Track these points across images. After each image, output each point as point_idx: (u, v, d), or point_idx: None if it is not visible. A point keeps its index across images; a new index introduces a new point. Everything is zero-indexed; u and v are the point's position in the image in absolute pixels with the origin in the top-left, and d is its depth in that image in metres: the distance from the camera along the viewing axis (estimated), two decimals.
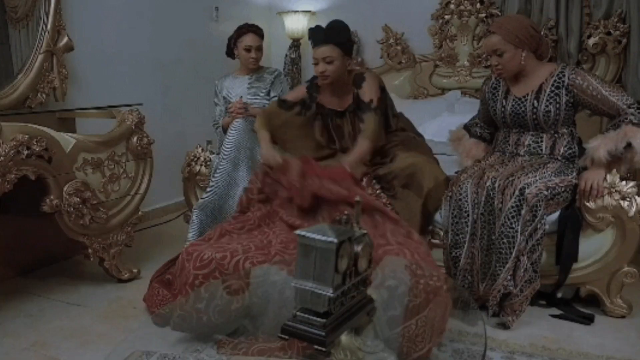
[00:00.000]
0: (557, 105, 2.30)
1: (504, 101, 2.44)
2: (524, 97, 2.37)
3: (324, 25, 2.56)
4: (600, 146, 2.22)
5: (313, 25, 2.60)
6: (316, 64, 2.53)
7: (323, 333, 1.25)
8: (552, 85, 2.32)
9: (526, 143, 2.41)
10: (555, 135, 2.37)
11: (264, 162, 2.51)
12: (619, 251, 2.23)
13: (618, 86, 2.33)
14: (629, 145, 2.17)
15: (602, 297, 2.28)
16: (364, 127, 2.57)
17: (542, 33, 3.41)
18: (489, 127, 2.69)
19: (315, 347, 1.25)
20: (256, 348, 1.72)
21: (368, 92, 2.59)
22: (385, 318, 1.55)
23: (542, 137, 2.38)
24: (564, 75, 2.31)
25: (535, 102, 2.33)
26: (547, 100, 2.31)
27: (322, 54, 2.50)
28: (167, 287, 2.27)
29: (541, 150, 2.38)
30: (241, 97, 3.02)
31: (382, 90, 2.68)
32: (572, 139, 2.38)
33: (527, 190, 2.14)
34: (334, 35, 2.51)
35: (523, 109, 2.37)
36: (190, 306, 1.86)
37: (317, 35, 2.53)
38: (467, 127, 2.79)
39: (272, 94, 3.13)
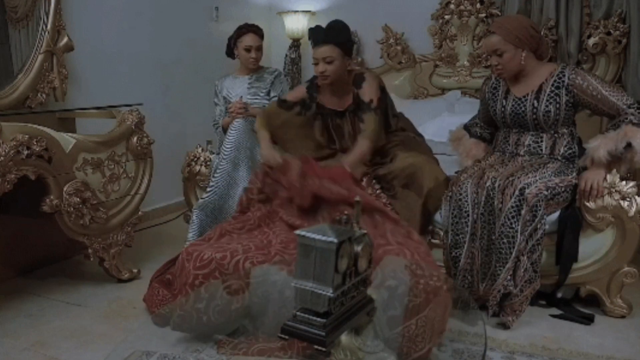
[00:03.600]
0: (557, 105, 2.30)
1: (504, 101, 2.44)
2: (524, 97, 2.37)
3: (323, 25, 2.56)
4: (600, 146, 2.22)
5: (313, 25, 2.60)
6: (316, 63, 2.52)
7: (323, 333, 1.25)
8: (552, 85, 2.32)
9: (526, 143, 2.41)
10: (555, 135, 2.37)
11: (263, 162, 2.51)
12: (619, 251, 2.23)
13: (618, 86, 2.33)
14: (629, 145, 2.17)
15: (602, 297, 2.28)
16: (363, 127, 2.57)
17: (542, 33, 3.43)
18: (488, 127, 2.69)
19: (315, 347, 1.25)
20: (256, 348, 1.72)
21: (368, 92, 2.59)
22: (385, 318, 1.55)
23: (542, 137, 2.38)
24: (564, 75, 2.31)
25: (535, 102, 2.33)
26: (547, 100, 2.31)
27: (322, 54, 2.49)
28: (167, 287, 2.27)
29: (541, 150, 2.38)
30: (241, 97, 3.02)
31: (382, 90, 2.67)
32: (572, 139, 2.38)
33: (527, 190, 2.14)
34: (334, 35, 2.50)
35: (523, 109, 2.36)
36: (190, 306, 1.86)
37: (317, 35, 2.52)
38: (467, 127, 2.79)
39: (272, 94, 3.13)
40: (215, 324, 1.83)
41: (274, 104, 2.76)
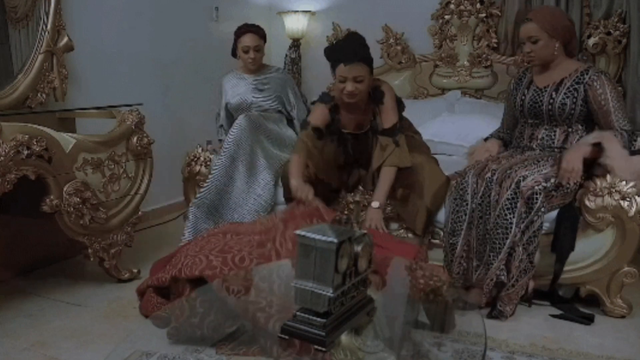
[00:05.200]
0: (574, 100, 2.34)
1: (525, 90, 2.48)
2: (545, 87, 2.41)
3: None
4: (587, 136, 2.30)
5: (333, 41, 2.48)
6: (343, 82, 2.38)
7: (323, 333, 1.25)
8: (574, 80, 2.35)
9: (539, 137, 2.43)
10: (569, 129, 2.39)
11: (293, 194, 2.38)
12: (619, 251, 2.23)
13: (625, 110, 2.37)
14: (598, 145, 2.22)
15: (602, 297, 2.28)
16: (389, 152, 2.46)
17: None
18: (513, 131, 2.67)
19: (315, 347, 1.25)
20: (256, 348, 1.72)
21: (390, 113, 2.50)
22: (385, 318, 1.55)
23: (555, 132, 2.40)
24: (586, 74, 2.34)
25: (553, 93, 2.37)
26: (565, 94, 2.35)
27: (354, 72, 2.34)
28: (163, 293, 2.24)
29: (553, 143, 2.40)
30: None
31: (399, 102, 2.61)
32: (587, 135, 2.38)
33: (522, 183, 2.16)
34: (363, 51, 2.39)
35: (541, 99, 2.40)
36: (185, 320, 1.86)
37: (348, 52, 2.37)
38: (487, 138, 2.75)
39: (292, 101, 3.13)
40: (210, 337, 1.83)
41: (310, 133, 2.54)
